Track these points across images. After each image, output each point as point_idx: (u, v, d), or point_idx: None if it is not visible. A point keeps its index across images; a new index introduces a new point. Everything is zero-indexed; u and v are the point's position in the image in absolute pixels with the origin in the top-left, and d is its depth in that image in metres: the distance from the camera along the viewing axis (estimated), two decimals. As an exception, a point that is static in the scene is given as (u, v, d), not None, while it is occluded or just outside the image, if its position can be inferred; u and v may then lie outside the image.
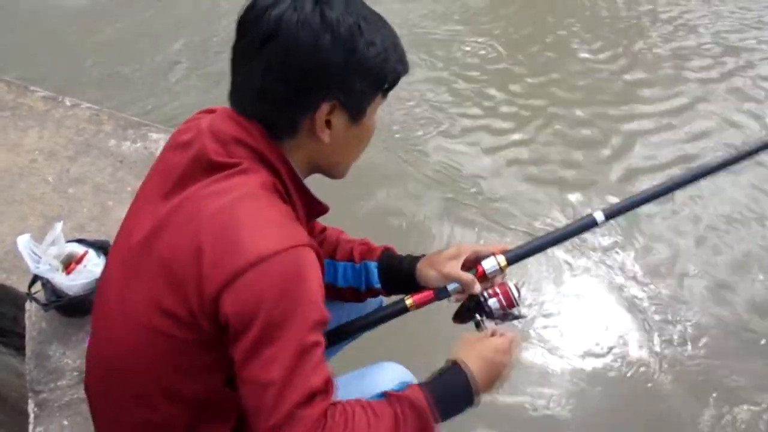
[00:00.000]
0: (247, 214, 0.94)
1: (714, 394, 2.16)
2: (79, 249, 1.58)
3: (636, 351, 2.29)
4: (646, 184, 2.84)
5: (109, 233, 1.80)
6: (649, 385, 2.19)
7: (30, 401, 1.48)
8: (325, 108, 1.00)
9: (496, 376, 1.13)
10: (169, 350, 0.98)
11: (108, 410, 1.12)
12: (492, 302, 1.22)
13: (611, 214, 1.27)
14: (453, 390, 1.08)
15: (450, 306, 1.29)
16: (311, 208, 1.10)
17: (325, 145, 1.04)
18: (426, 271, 1.26)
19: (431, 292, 1.24)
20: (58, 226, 1.57)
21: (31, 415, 1.46)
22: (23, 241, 1.54)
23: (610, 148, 3.12)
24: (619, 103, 3.41)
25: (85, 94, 2.83)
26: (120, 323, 1.03)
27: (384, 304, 1.36)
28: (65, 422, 1.44)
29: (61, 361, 1.54)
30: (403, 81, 1.10)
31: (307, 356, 0.91)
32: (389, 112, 3.16)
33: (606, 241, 2.66)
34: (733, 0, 4.22)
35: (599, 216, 1.26)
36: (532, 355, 2.26)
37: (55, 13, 3.88)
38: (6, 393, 2.35)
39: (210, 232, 0.93)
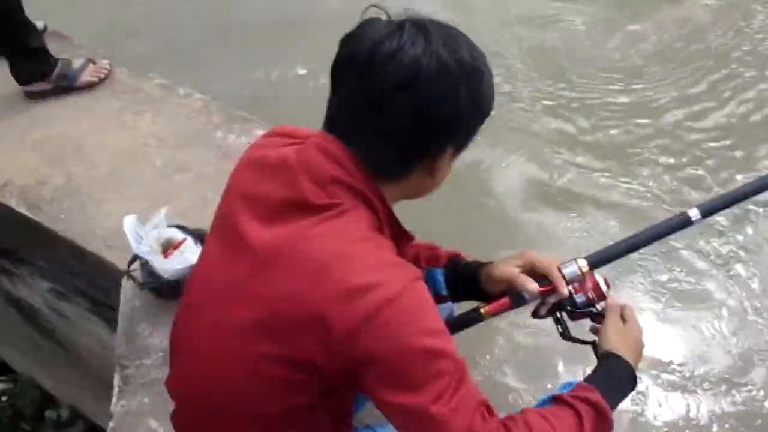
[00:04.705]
0: (366, 257, 0.94)
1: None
2: (178, 235, 1.64)
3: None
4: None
5: (206, 223, 1.84)
6: None
7: (116, 375, 1.54)
8: (449, 151, 1.01)
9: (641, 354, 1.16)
10: (276, 389, 0.98)
11: None
12: (579, 297, 1.18)
13: (707, 212, 1.19)
14: (618, 379, 1.09)
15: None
16: (399, 239, 1.09)
17: (431, 182, 1.05)
18: (487, 275, 1.21)
19: (507, 299, 1.17)
20: (163, 210, 1.64)
21: (116, 389, 1.52)
22: (129, 222, 1.61)
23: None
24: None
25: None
26: (217, 359, 1.02)
27: (455, 312, 1.32)
28: (146, 400, 1.49)
29: (148, 340, 1.60)
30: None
31: (466, 376, 0.93)
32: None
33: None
34: None
35: (694, 213, 1.19)
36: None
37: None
38: (89, 360, 2.47)
39: (333, 277, 0.91)
